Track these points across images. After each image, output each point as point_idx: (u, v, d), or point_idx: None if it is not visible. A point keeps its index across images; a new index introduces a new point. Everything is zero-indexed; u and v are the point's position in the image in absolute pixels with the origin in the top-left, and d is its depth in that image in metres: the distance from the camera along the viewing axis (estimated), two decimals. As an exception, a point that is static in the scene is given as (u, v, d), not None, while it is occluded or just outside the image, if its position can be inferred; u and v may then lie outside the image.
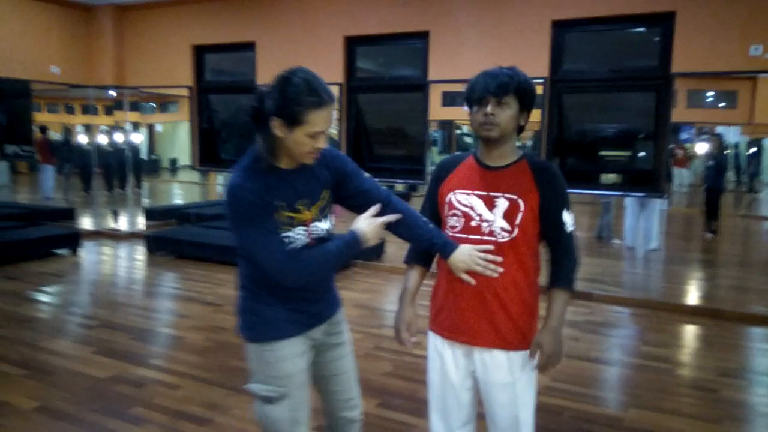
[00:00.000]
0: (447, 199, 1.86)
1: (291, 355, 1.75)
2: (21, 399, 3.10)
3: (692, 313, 4.91)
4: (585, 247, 7.94)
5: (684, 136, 14.91)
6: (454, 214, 1.84)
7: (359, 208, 1.84)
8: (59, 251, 6.82)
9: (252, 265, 1.73)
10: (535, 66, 5.11)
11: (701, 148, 14.99)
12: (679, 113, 11.12)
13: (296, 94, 1.56)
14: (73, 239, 6.90)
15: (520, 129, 1.83)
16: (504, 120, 1.74)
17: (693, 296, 5.77)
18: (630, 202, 7.44)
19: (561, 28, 5.04)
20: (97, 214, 9.14)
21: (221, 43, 6.74)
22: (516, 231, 1.76)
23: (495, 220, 1.77)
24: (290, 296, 1.75)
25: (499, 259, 1.76)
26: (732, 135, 15.20)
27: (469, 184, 1.84)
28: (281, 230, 1.67)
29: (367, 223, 1.74)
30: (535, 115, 5.20)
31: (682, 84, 10.60)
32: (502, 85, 1.72)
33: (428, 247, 1.83)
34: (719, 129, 13.33)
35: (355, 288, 5.52)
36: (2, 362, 3.60)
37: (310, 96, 1.57)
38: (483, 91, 1.74)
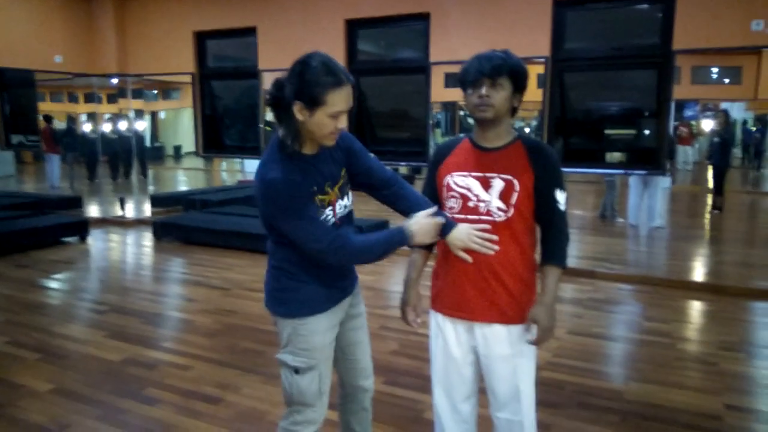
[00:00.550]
0: (445, 182, 1.91)
1: (323, 328, 1.86)
2: (37, 382, 3.19)
3: (695, 289, 4.96)
4: (589, 226, 7.98)
5: (688, 113, 14.81)
6: (452, 196, 1.89)
7: (365, 186, 1.94)
8: (68, 239, 6.91)
9: (285, 246, 1.80)
10: (537, 45, 5.12)
11: (707, 124, 14.92)
12: (683, 90, 11.08)
13: (315, 76, 1.62)
14: (82, 227, 6.99)
15: (514, 110, 1.88)
16: (498, 101, 1.79)
17: (696, 272, 5.80)
18: (633, 180, 7.46)
19: (562, 7, 5.04)
20: (103, 201, 9.23)
21: (222, 29, 6.76)
22: (512, 210, 1.81)
23: (491, 200, 1.82)
24: (327, 274, 1.85)
25: (495, 237, 1.81)
26: (737, 111, 15.11)
27: (466, 165, 1.89)
28: (319, 214, 1.75)
29: (421, 223, 1.80)
30: (538, 94, 5.25)
31: (685, 60, 10.55)
32: (496, 67, 1.77)
33: None
34: (724, 105, 13.24)
35: (361, 269, 5.55)
36: (17, 347, 3.70)
37: (328, 76, 1.62)
38: (477, 73, 1.78)
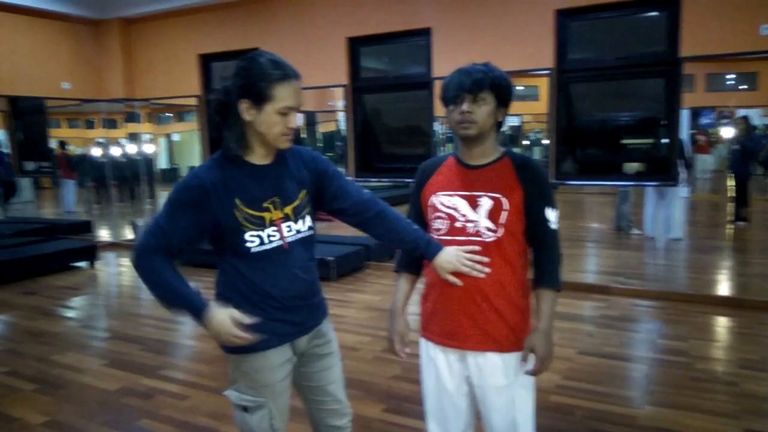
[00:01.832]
0: (430, 202, 1.82)
1: (269, 365, 1.70)
2: (31, 414, 3.12)
3: (714, 304, 4.76)
4: (603, 239, 7.80)
5: (704, 121, 14.54)
6: (439, 217, 1.79)
7: (341, 212, 1.80)
8: (77, 264, 6.91)
9: (229, 272, 1.69)
10: (540, 57, 5.03)
11: (726, 132, 14.61)
12: (697, 98, 10.88)
13: (261, 70, 1.56)
14: (91, 252, 6.99)
15: (499, 125, 1.79)
16: (481, 117, 1.70)
17: (716, 286, 5.60)
18: (649, 190, 7.27)
19: (565, 17, 4.94)
20: (114, 225, 9.25)
21: (227, 51, 6.77)
22: (501, 230, 1.71)
23: (479, 220, 1.72)
24: (273, 306, 1.68)
25: (486, 259, 1.71)
26: (754, 117, 14.78)
27: (451, 185, 1.79)
28: (244, 229, 1.62)
29: (223, 319, 1.59)
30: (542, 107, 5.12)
31: (699, 68, 10.36)
32: (477, 82, 1.68)
33: (412, 249, 1.77)
34: (741, 112, 12.97)
35: (367, 290, 5.49)
36: (15, 378, 3.64)
37: (274, 70, 1.57)
38: (457, 89, 1.70)
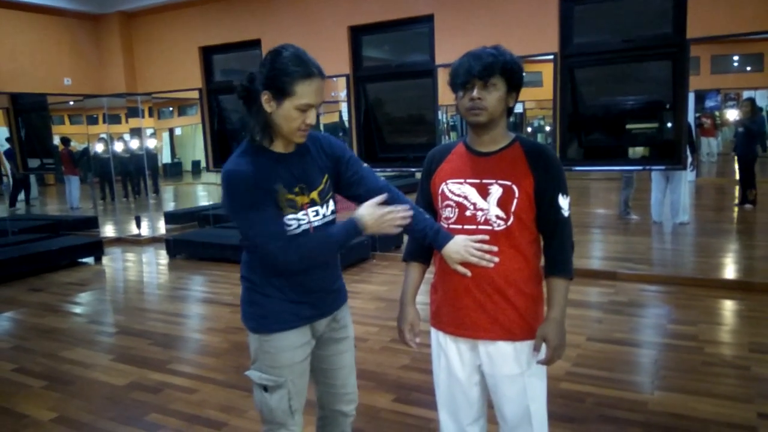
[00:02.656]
0: (440, 190, 1.78)
1: (290, 346, 1.75)
2: (40, 410, 3.12)
3: (723, 287, 4.73)
4: (610, 225, 7.76)
5: (710, 103, 14.42)
6: (448, 205, 1.76)
7: (357, 198, 1.83)
8: (83, 260, 6.91)
9: (253, 255, 1.73)
10: (544, 42, 4.98)
11: (732, 114, 14.48)
12: (703, 80, 10.78)
13: (285, 65, 1.57)
14: (97, 247, 7.00)
15: (509, 111, 1.75)
16: (492, 103, 1.65)
17: (723, 270, 5.55)
18: (655, 175, 7.22)
19: (569, 1, 4.87)
20: (119, 221, 9.26)
21: (227, 43, 6.74)
22: (512, 218, 1.68)
23: (489, 208, 1.69)
24: (292, 288, 1.73)
25: (495, 248, 1.68)
26: (759, 99, 14.64)
27: (461, 172, 1.75)
28: (286, 212, 1.66)
29: (370, 211, 1.69)
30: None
31: (704, 50, 10.25)
32: (487, 66, 1.63)
33: (422, 238, 1.76)
34: (747, 93, 12.85)
35: (373, 280, 5.47)
36: (23, 374, 3.65)
37: (298, 67, 1.58)
38: (467, 74, 1.65)
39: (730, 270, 5.53)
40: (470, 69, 1.64)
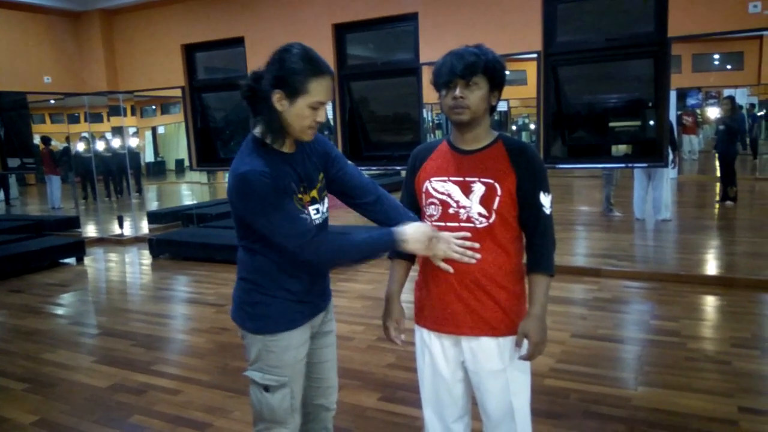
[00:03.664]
0: (423, 188, 1.79)
1: (295, 345, 1.77)
2: (21, 414, 3.08)
3: (704, 283, 4.79)
4: (593, 223, 7.82)
5: (691, 101, 14.59)
6: (432, 203, 1.77)
7: (342, 194, 1.86)
8: (65, 261, 6.83)
9: (260, 256, 1.72)
10: (528, 40, 4.99)
11: (713, 112, 14.66)
12: (684, 79, 10.91)
13: (296, 64, 1.57)
14: (78, 248, 6.91)
15: (492, 109, 1.75)
16: (474, 102, 1.66)
17: (705, 266, 5.62)
18: (637, 172, 7.29)
19: (552, 0, 4.89)
20: (101, 221, 9.16)
21: (210, 41, 6.67)
22: (494, 216, 1.69)
23: (472, 205, 1.70)
24: (299, 289, 1.75)
25: (477, 245, 1.69)
26: (740, 97, 14.84)
27: (445, 170, 1.76)
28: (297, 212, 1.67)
29: (416, 229, 1.69)
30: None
31: (685, 48, 10.37)
32: (469, 66, 1.63)
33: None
34: (727, 92, 13.02)
35: (360, 279, 5.46)
36: (4, 377, 3.59)
37: (310, 64, 1.58)
38: (449, 73, 1.65)
39: (711, 266, 5.60)
40: (453, 68, 1.65)
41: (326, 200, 1.82)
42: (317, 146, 1.79)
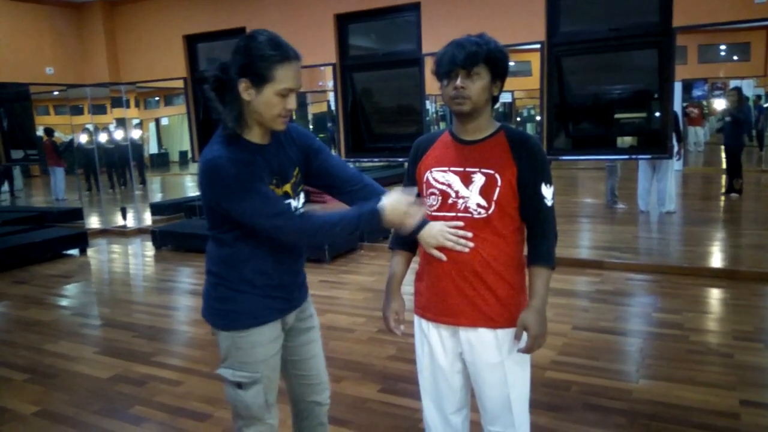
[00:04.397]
0: (424, 178, 1.78)
1: (265, 340, 1.73)
2: (22, 404, 3.09)
3: (708, 276, 4.77)
4: (597, 214, 7.79)
5: (697, 93, 14.48)
6: (432, 193, 1.75)
7: (328, 188, 1.83)
8: (68, 252, 6.84)
9: (229, 249, 1.67)
10: (531, 30, 4.96)
11: (719, 104, 14.56)
12: (690, 70, 10.81)
13: (262, 50, 1.53)
14: (81, 239, 6.92)
15: (494, 99, 1.74)
16: (475, 92, 1.64)
17: (709, 258, 5.59)
18: (642, 164, 7.24)
19: (555, -10, 4.85)
20: (104, 212, 9.17)
21: (212, 31, 6.65)
22: (493, 207, 1.67)
23: (471, 196, 1.68)
24: (268, 284, 1.71)
25: (469, 234, 1.68)
26: (746, 88, 14.71)
27: (446, 160, 1.75)
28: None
29: (393, 199, 1.64)
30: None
31: (691, 39, 10.27)
32: (471, 55, 1.61)
33: None
34: (734, 83, 12.91)
35: (361, 271, 5.46)
36: (6, 368, 3.60)
37: (276, 50, 1.53)
38: (450, 63, 1.63)
39: (715, 259, 5.57)
40: (454, 58, 1.63)
41: (302, 196, 1.77)
42: (297, 139, 1.75)
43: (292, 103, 1.58)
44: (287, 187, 1.70)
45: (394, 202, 1.64)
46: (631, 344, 3.60)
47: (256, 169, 1.59)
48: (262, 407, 1.75)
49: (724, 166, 8.92)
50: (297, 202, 1.74)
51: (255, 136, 1.65)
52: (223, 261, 1.71)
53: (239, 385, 1.72)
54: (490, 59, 1.64)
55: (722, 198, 8.49)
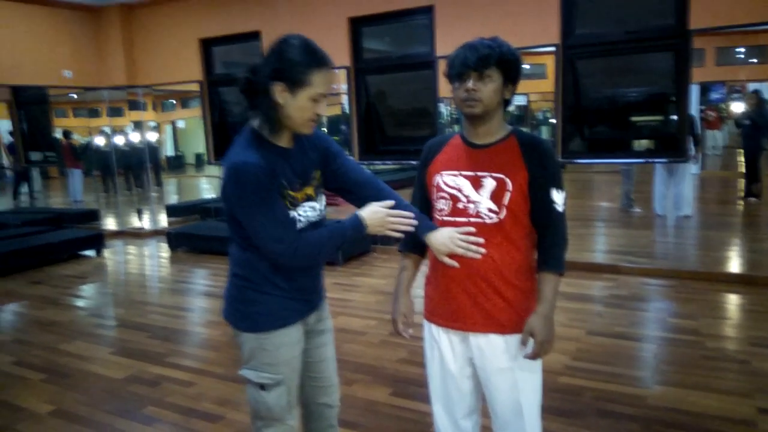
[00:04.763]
0: (435, 182, 1.77)
1: (289, 342, 1.75)
2: (38, 403, 3.13)
3: (725, 281, 4.70)
4: (612, 218, 7.72)
5: (715, 96, 14.31)
6: (442, 197, 1.75)
7: (342, 191, 1.83)
8: (85, 253, 6.92)
9: (252, 252, 1.68)
10: (546, 33, 4.92)
11: (738, 107, 14.39)
12: (707, 72, 10.69)
13: (297, 55, 1.54)
14: (98, 240, 7.00)
15: (506, 103, 1.72)
16: (487, 95, 1.63)
17: (726, 264, 5.51)
18: (658, 167, 7.17)
19: (570, -9, 4.81)
20: (120, 214, 9.27)
21: (227, 35, 6.69)
22: (504, 211, 1.66)
23: (481, 200, 1.67)
24: (294, 286, 1.73)
25: (481, 240, 1.66)
26: (766, 91, 14.52)
27: (456, 164, 1.74)
28: (289, 209, 1.65)
29: (374, 210, 1.70)
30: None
31: (709, 41, 10.16)
32: (483, 58, 1.61)
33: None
34: (752, 86, 12.74)
35: (374, 274, 5.46)
36: (22, 367, 3.65)
37: (312, 56, 1.55)
38: (462, 65, 1.63)
39: (733, 264, 5.49)
40: (466, 60, 1.62)
41: (323, 197, 1.79)
42: (316, 142, 1.76)
43: (323, 107, 1.60)
44: (309, 190, 1.72)
45: (372, 208, 1.70)
46: (645, 350, 3.56)
47: (278, 179, 1.60)
48: (284, 409, 1.77)
49: (742, 169, 8.79)
50: (320, 204, 1.76)
51: (282, 139, 1.66)
52: (247, 264, 1.72)
53: (262, 387, 1.74)
54: (502, 62, 1.63)
55: (740, 202, 8.38)
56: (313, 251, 1.66)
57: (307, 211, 1.71)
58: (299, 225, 1.67)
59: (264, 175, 1.55)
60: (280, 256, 1.62)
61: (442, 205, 1.75)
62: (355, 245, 5.94)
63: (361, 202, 1.79)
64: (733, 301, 4.39)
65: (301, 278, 1.75)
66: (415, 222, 1.71)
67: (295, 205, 1.66)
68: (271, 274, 1.70)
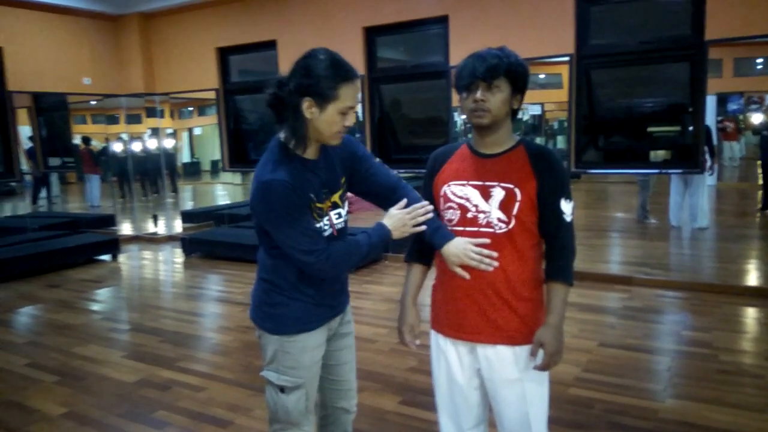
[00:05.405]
0: (442, 192, 1.77)
1: (312, 346, 1.78)
2: (51, 405, 3.16)
3: (740, 294, 4.63)
4: (627, 229, 7.65)
5: (732, 107, 14.15)
6: (450, 207, 1.74)
7: (369, 194, 1.85)
8: (100, 257, 7.00)
9: (279, 259, 1.71)
10: (560, 43, 4.93)
11: (756, 118, 14.21)
12: (725, 83, 10.59)
13: (325, 70, 1.56)
14: (113, 245, 7.08)
15: (514, 113, 1.73)
16: (495, 105, 1.64)
17: (742, 276, 5.44)
18: (674, 178, 7.10)
19: (585, 1, 4.82)
20: (136, 219, 9.36)
21: (244, 44, 6.78)
22: (513, 221, 1.66)
23: (491, 210, 1.67)
24: (319, 292, 1.76)
25: (495, 253, 1.66)
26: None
27: (464, 174, 1.74)
28: (316, 221, 1.68)
29: (394, 216, 1.73)
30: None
31: (727, 52, 10.06)
32: (491, 68, 1.61)
33: (420, 234, 1.76)
34: (771, 97, 12.59)
35: (385, 282, 5.46)
36: (36, 369, 3.70)
37: (339, 70, 1.57)
38: (471, 75, 1.63)
39: (749, 277, 5.41)
40: (474, 70, 1.63)
41: (346, 203, 1.82)
42: (342, 148, 1.78)
43: (351, 119, 1.62)
44: (336, 197, 1.75)
45: (389, 213, 1.75)
46: (658, 362, 3.52)
47: (306, 194, 1.63)
48: (302, 413, 1.78)
49: (760, 181, 8.68)
50: (344, 210, 1.80)
51: (309, 151, 1.68)
52: (275, 270, 1.75)
53: (282, 389, 1.76)
54: (511, 72, 1.63)
55: (758, 214, 8.26)
56: (342, 261, 1.69)
57: (333, 219, 1.73)
58: (326, 233, 1.70)
59: (292, 191, 1.58)
60: (310, 266, 1.65)
61: (450, 215, 1.74)
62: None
63: (388, 207, 1.80)
64: (748, 314, 4.32)
65: (328, 285, 1.79)
66: (431, 207, 1.74)
67: (321, 216, 1.70)
68: (297, 281, 1.73)
